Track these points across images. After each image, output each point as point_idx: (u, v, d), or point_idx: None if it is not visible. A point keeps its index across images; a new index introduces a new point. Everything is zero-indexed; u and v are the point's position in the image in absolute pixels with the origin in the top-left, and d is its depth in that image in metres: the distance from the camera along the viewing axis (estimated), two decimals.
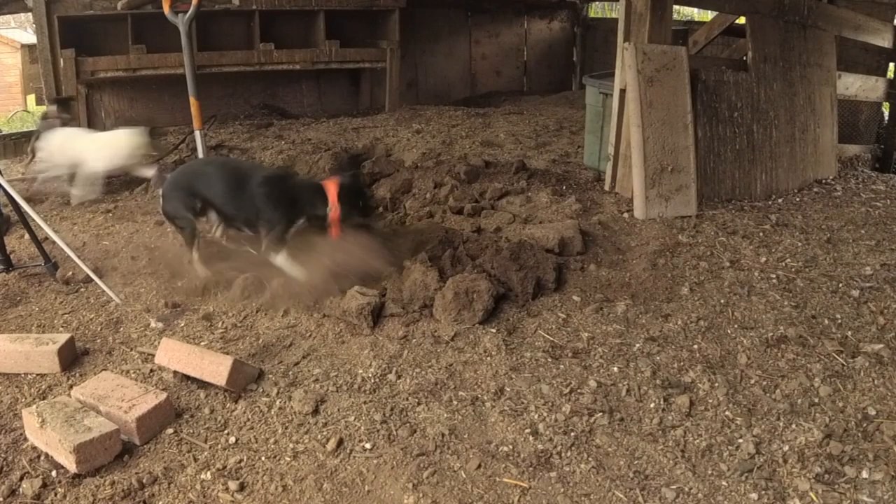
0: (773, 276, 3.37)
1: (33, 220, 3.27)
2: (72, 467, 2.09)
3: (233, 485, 2.08)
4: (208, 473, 2.13)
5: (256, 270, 3.35)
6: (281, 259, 3.37)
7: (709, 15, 7.59)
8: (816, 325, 2.94)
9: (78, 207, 4.59)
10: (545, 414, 2.39)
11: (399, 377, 2.61)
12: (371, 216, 3.78)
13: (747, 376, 2.60)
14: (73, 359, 2.75)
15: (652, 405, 2.44)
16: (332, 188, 3.39)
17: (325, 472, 2.14)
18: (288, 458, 2.20)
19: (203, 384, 2.54)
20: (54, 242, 3.37)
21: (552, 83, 9.69)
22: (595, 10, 10.50)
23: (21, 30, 12.79)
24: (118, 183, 5.00)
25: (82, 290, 3.35)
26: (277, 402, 2.47)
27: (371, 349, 2.76)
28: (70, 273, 3.40)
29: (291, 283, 3.24)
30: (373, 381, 2.59)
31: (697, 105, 4.28)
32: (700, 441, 2.27)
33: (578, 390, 2.52)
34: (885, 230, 4.00)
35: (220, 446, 2.26)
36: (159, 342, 2.69)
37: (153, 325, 3.02)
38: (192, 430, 2.34)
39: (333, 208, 3.36)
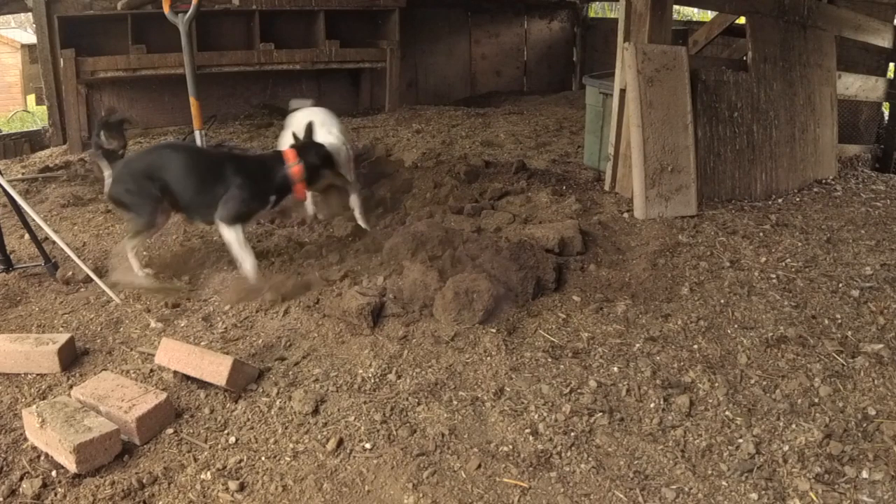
0: (773, 276, 3.37)
1: (33, 220, 3.27)
2: (72, 467, 2.09)
3: (233, 485, 2.08)
4: (208, 473, 2.13)
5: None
6: (233, 236, 3.25)
7: (709, 15, 7.60)
8: (816, 325, 2.94)
9: (79, 207, 4.57)
10: (545, 414, 2.39)
11: (399, 377, 2.61)
12: (335, 171, 3.68)
13: (747, 376, 2.60)
14: (73, 359, 2.74)
15: (652, 405, 2.44)
16: (288, 152, 3.43)
17: (325, 472, 2.14)
18: (288, 458, 2.20)
19: (203, 384, 2.54)
20: (54, 242, 3.37)
21: (552, 83, 9.70)
22: (595, 10, 10.51)
23: (21, 30, 12.80)
24: None
25: (82, 290, 3.35)
26: (277, 402, 2.47)
27: (371, 349, 2.76)
28: (70, 273, 3.40)
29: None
30: (373, 381, 2.59)
31: (697, 105, 4.28)
32: (700, 441, 2.27)
33: (578, 390, 2.51)
34: (885, 230, 4.00)
35: (220, 446, 2.26)
36: (159, 342, 2.68)
37: (153, 325, 3.02)
38: (192, 430, 2.34)
39: (294, 166, 3.36)
